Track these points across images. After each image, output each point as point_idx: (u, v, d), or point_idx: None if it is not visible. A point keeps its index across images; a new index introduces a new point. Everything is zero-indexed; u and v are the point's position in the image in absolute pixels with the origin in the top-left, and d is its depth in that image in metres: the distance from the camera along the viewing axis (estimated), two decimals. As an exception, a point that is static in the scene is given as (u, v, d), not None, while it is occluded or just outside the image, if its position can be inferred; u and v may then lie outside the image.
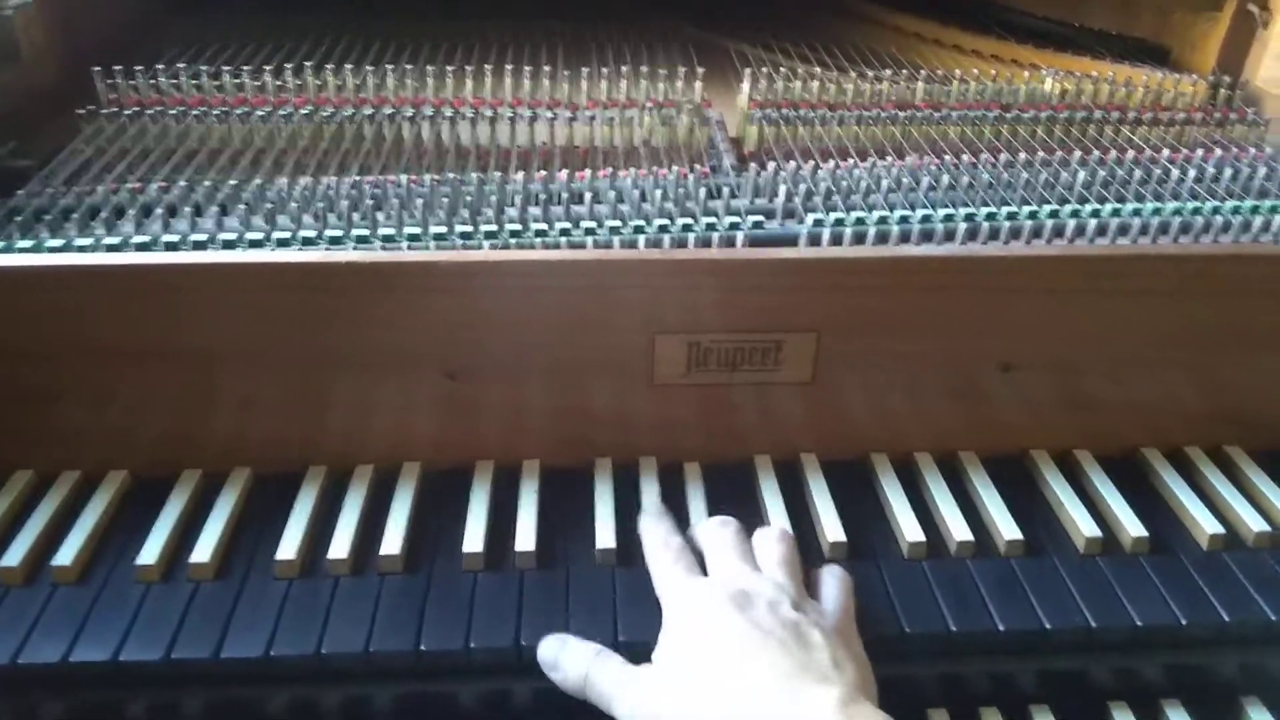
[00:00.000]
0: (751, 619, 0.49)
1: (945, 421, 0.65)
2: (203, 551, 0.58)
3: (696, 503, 0.62)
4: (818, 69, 0.96)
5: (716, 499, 0.62)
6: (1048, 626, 0.54)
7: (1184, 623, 0.55)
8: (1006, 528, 0.60)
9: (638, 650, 0.52)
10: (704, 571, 0.55)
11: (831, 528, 0.59)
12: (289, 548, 0.58)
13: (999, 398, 0.64)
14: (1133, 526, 0.60)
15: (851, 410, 0.64)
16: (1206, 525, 0.60)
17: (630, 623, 0.54)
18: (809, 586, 0.55)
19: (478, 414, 0.63)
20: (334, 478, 0.63)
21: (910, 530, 0.59)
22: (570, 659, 0.52)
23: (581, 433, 0.64)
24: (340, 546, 0.58)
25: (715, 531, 0.57)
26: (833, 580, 0.55)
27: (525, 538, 0.58)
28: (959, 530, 0.59)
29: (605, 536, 0.58)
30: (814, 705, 0.45)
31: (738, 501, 0.62)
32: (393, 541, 0.58)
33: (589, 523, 0.60)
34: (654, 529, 0.58)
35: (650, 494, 0.62)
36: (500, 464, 0.64)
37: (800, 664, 0.47)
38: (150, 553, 0.57)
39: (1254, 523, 0.61)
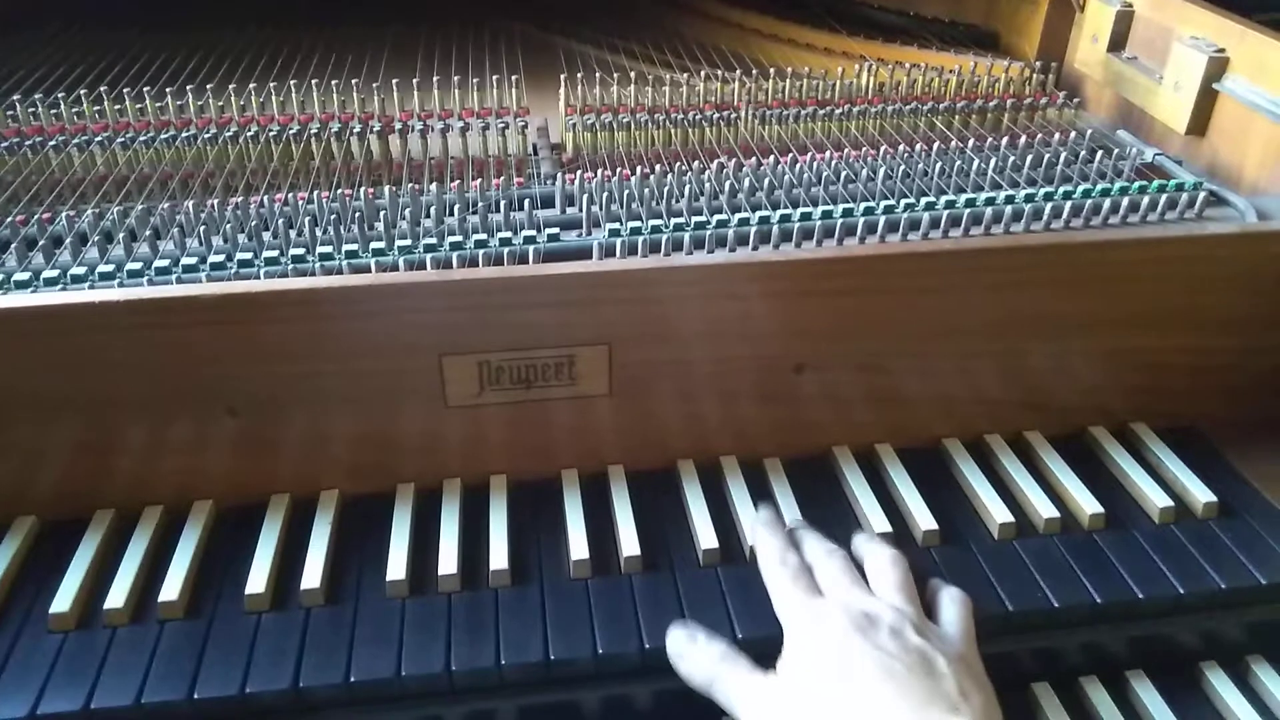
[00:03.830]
0: (876, 644, 0.49)
1: (747, 425, 0.65)
2: (-26, 609, 0.55)
3: (498, 523, 0.61)
4: (642, 67, 0.96)
5: (520, 517, 0.62)
6: (832, 628, 0.55)
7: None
8: (801, 529, 0.60)
9: (428, 684, 0.52)
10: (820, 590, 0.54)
11: (628, 540, 0.59)
12: (64, 599, 0.55)
13: (797, 398, 0.64)
14: (924, 520, 0.61)
15: (653, 419, 0.64)
16: (997, 514, 0.61)
17: (415, 656, 0.53)
18: (926, 608, 0.54)
19: (267, 448, 0.61)
20: (122, 521, 0.61)
21: (706, 537, 0.59)
22: (698, 657, 0.52)
23: (380, 460, 0.63)
24: (118, 595, 0.56)
25: (823, 560, 0.56)
26: (952, 604, 0.54)
27: (312, 574, 0.57)
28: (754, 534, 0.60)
29: (397, 568, 0.57)
30: None
31: (542, 518, 0.62)
32: (172, 586, 0.56)
33: (384, 553, 0.59)
34: (769, 542, 0.57)
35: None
36: (297, 496, 0.62)
37: (928, 692, 0.46)
38: (-83, 614, 0.55)
39: (1044, 509, 0.62)
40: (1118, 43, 0.92)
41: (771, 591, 0.55)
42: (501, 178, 0.74)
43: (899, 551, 0.56)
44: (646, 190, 0.70)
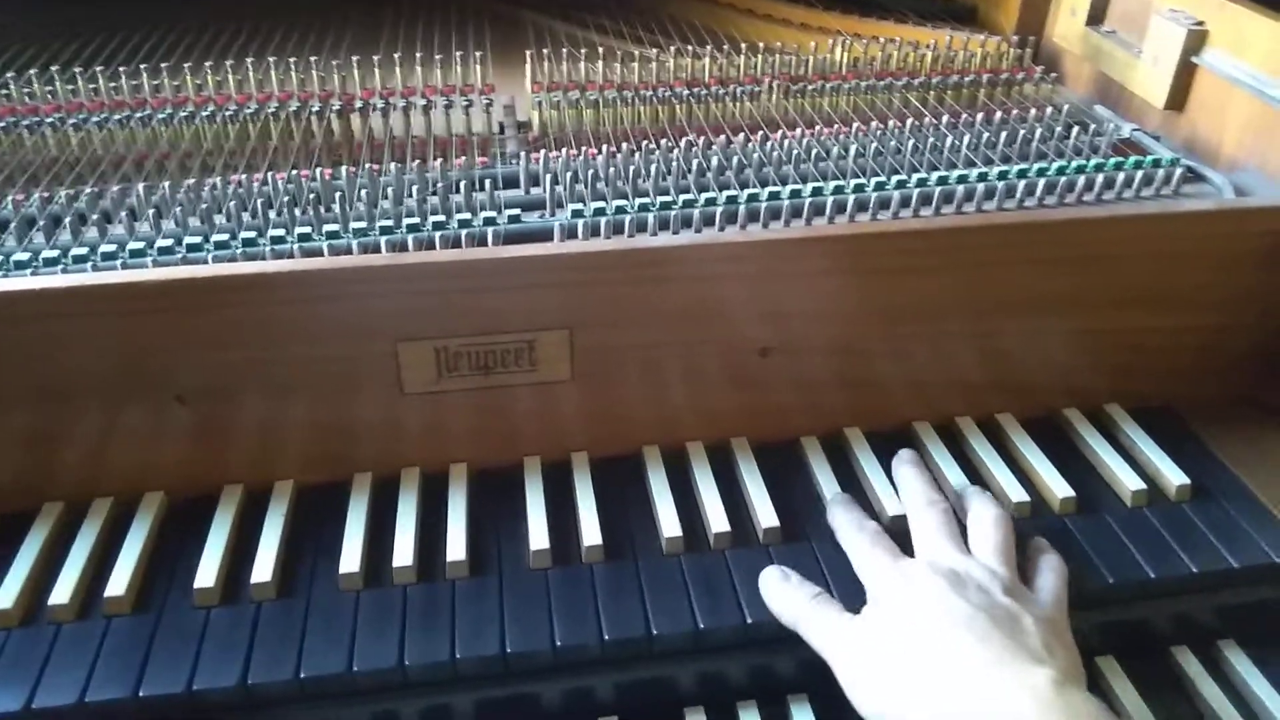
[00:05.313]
0: (963, 597, 0.49)
1: (713, 409, 0.64)
2: (-84, 606, 0.54)
3: (457, 512, 0.59)
4: (613, 43, 0.94)
5: (481, 507, 0.60)
6: (799, 617, 0.54)
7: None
8: (765, 515, 0.59)
9: (381, 679, 0.51)
10: (907, 554, 0.55)
11: (590, 529, 0.58)
12: (7, 596, 0.54)
13: (763, 383, 0.63)
14: (892, 505, 0.59)
15: (616, 405, 0.63)
16: (967, 499, 0.60)
17: (368, 650, 0.52)
18: (1023, 572, 0.54)
19: (218, 437, 0.59)
20: (70, 513, 0.59)
21: (669, 525, 0.58)
22: (790, 595, 0.53)
23: (335, 448, 0.61)
24: (63, 591, 0.54)
25: (922, 511, 0.56)
26: (1049, 572, 0.54)
27: (263, 567, 0.55)
28: (718, 521, 0.58)
29: (351, 560, 0.56)
30: (1028, 682, 0.44)
31: (502, 507, 0.60)
32: (119, 581, 0.55)
33: (339, 545, 0.57)
34: (845, 515, 0.58)
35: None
36: (250, 487, 0.61)
37: (1012, 644, 0.47)
38: None
39: (1014, 493, 0.61)
40: (1096, 16, 0.90)
41: (852, 557, 0.55)
42: (463, 158, 0.72)
43: (1005, 512, 0.56)
44: (612, 170, 0.69)
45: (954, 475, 0.62)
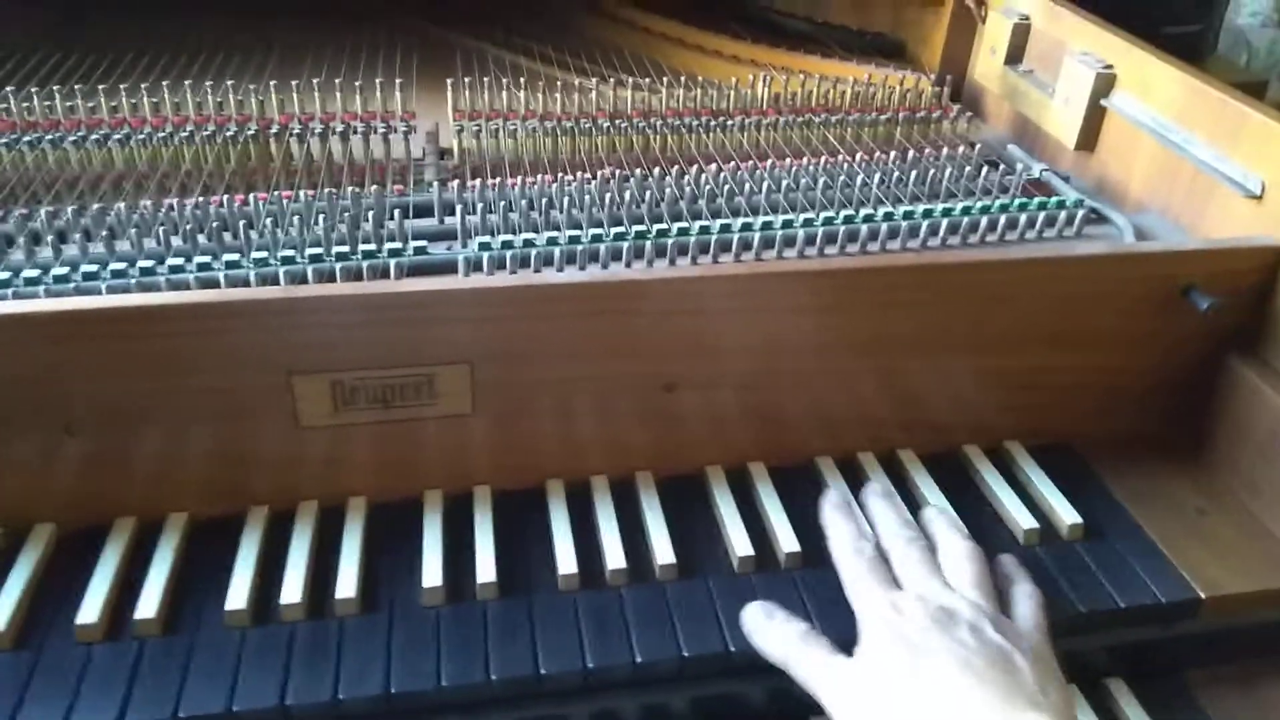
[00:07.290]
0: (957, 639, 0.49)
1: (617, 444, 0.64)
2: None
3: (350, 548, 0.59)
4: (540, 68, 0.94)
5: (377, 542, 0.60)
6: (685, 654, 0.54)
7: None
8: (663, 551, 0.59)
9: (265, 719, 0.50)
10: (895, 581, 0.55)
11: (484, 566, 0.58)
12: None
13: (667, 417, 0.63)
14: (788, 542, 0.60)
15: (520, 438, 0.62)
16: (864, 536, 0.61)
17: (249, 690, 0.51)
18: (1000, 605, 0.54)
19: (109, 469, 0.58)
20: (-44, 546, 0.58)
21: (565, 562, 0.58)
22: (774, 634, 0.53)
23: (230, 481, 0.60)
24: (-69, 629, 0.53)
25: (903, 550, 0.56)
26: (1026, 601, 0.55)
27: (148, 603, 0.55)
28: (615, 558, 0.58)
29: (238, 596, 0.55)
30: None
31: (399, 542, 0.60)
32: (0, 616, 0.53)
33: (228, 580, 0.56)
34: (841, 528, 0.58)
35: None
36: (143, 519, 0.60)
37: (1009, 688, 0.47)
38: None
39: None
40: (1015, 56, 0.92)
41: (845, 582, 0.55)
42: (375, 186, 0.71)
43: (976, 545, 0.57)
44: (525, 201, 0.69)
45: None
